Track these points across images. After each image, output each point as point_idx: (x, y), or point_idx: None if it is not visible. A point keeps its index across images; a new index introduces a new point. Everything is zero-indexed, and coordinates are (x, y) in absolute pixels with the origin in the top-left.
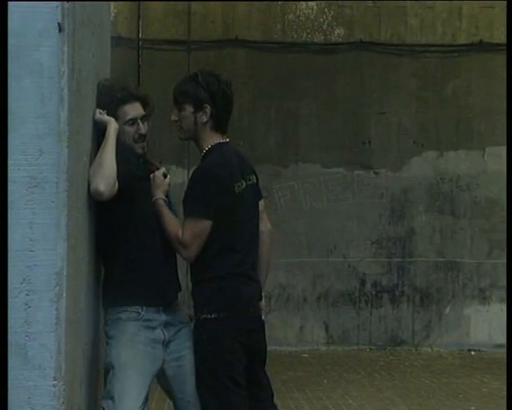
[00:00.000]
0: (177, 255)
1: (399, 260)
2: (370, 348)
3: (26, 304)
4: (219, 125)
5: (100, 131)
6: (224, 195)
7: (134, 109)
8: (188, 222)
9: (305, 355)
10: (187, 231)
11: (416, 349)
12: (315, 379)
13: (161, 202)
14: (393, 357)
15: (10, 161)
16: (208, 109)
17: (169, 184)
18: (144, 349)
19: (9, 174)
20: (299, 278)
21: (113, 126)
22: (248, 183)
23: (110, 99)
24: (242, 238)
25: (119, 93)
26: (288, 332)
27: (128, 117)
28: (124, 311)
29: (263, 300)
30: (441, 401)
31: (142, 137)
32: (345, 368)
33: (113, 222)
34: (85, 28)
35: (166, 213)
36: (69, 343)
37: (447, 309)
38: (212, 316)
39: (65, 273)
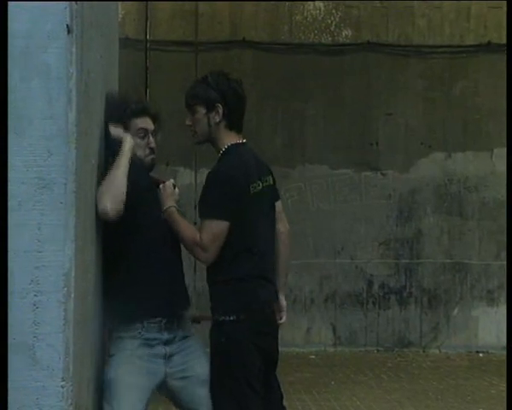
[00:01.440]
0: (186, 265)
1: (407, 261)
2: (378, 350)
3: (35, 305)
4: (233, 123)
5: (110, 139)
6: (240, 196)
7: (145, 122)
8: (206, 224)
9: (313, 357)
10: (205, 233)
11: (424, 351)
12: (322, 381)
13: (173, 209)
14: (401, 359)
15: (19, 162)
16: (220, 109)
17: (178, 195)
18: (141, 364)
19: (18, 175)
20: (307, 279)
21: (128, 143)
22: (265, 184)
23: (124, 110)
24: (259, 240)
25: (134, 105)
26: (295, 333)
27: (139, 127)
28: (125, 329)
29: (284, 301)
30: (449, 403)
31: (152, 150)
32: (352, 370)
33: (117, 231)
34: (94, 29)
35: (181, 219)
36: (77, 344)
37: (455, 311)
38: (231, 318)
39: (73, 274)
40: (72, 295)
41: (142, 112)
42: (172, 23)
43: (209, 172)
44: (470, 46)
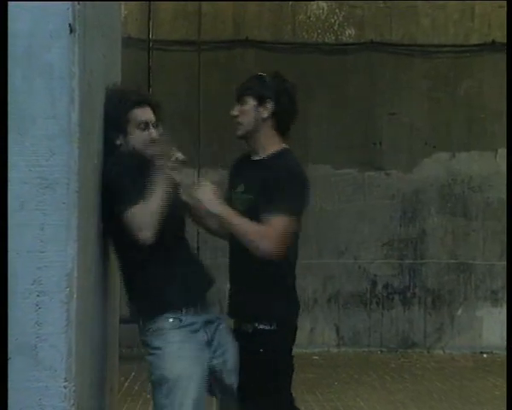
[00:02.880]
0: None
1: (411, 261)
2: (381, 351)
3: (37, 305)
4: (281, 125)
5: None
6: (307, 201)
7: (146, 113)
8: (280, 218)
9: (316, 357)
10: (278, 226)
11: (428, 352)
12: (325, 381)
13: (228, 211)
14: (405, 359)
15: (21, 162)
16: (270, 105)
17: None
18: (194, 356)
19: (20, 175)
20: (310, 279)
21: (167, 179)
22: None
23: (123, 102)
24: (296, 250)
25: (134, 96)
26: (298, 334)
27: (140, 120)
28: (165, 319)
29: None
30: (453, 404)
31: (154, 143)
32: (356, 370)
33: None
34: (96, 29)
35: (239, 218)
36: (79, 345)
37: (459, 311)
38: (272, 327)
39: (75, 275)
40: (75, 296)
41: (143, 102)
42: (175, 22)
43: (282, 167)
44: (475, 45)
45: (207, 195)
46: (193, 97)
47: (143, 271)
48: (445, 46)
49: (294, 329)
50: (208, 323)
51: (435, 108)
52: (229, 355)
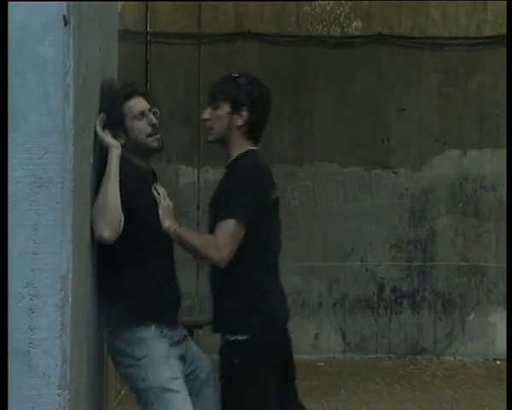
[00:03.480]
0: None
1: (420, 264)
2: (389, 357)
3: (30, 309)
4: (254, 133)
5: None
6: (261, 202)
7: (140, 103)
8: (222, 224)
9: (321, 364)
10: (221, 232)
11: (438, 358)
12: (331, 389)
13: (179, 231)
14: (414, 366)
15: (14, 160)
16: (245, 114)
17: (172, 206)
18: (178, 364)
19: (13, 174)
20: (315, 282)
21: (115, 154)
22: (275, 196)
23: (113, 98)
24: (273, 252)
25: (122, 91)
26: (302, 340)
27: (136, 111)
28: (147, 328)
29: None
30: None
31: (155, 127)
32: (362, 378)
33: (121, 240)
34: (91, 21)
35: (188, 233)
36: (74, 350)
37: (471, 316)
38: (244, 337)
39: (70, 277)
40: (70, 299)
41: (133, 93)
42: (174, 14)
43: (228, 173)
44: (487, 38)
45: (164, 212)
46: (192, 93)
47: (122, 278)
48: (456, 38)
49: (276, 334)
50: (181, 341)
51: (446, 103)
52: (200, 371)
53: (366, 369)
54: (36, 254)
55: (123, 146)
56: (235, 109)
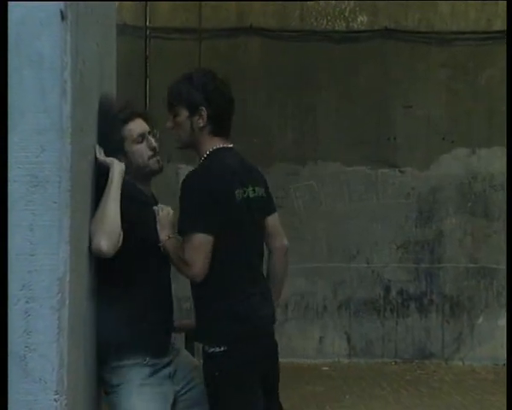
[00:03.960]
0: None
1: (427, 265)
2: (396, 362)
3: (26, 312)
4: (219, 129)
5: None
6: (222, 204)
7: (140, 125)
8: (185, 240)
9: (325, 368)
10: (186, 249)
11: (447, 363)
12: (336, 395)
13: (168, 242)
14: (421, 371)
15: (9, 159)
16: (204, 112)
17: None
18: (153, 390)
19: (8, 173)
20: (319, 284)
21: (117, 170)
22: (254, 194)
23: (112, 122)
24: (251, 254)
25: (121, 113)
26: (306, 343)
27: (135, 134)
28: (127, 358)
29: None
30: None
31: (155, 150)
32: (368, 383)
33: (115, 258)
34: (89, 16)
35: (173, 244)
36: (72, 355)
37: (480, 319)
38: (222, 349)
39: (68, 279)
40: (67, 302)
41: (132, 116)
42: (174, 9)
43: (183, 181)
44: (498, 32)
45: (160, 223)
46: None
47: (108, 300)
48: (465, 33)
49: (256, 341)
50: (171, 362)
51: (454, 99)
52: (195, 382)
53: (372, 374)
54: (32, 255)
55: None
56: (193, 111)
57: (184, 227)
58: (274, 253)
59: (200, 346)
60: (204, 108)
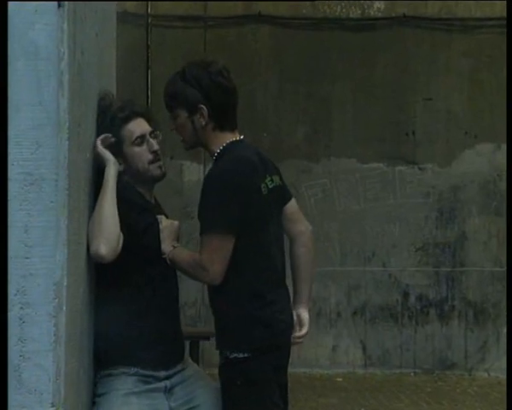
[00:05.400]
0: None
1: (449, 269)
2: (415, 372)
3: (21, 319)
4: (223, 122)
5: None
6: (249, 199)
7: (140, 126)
8: (204, 240)
9: (339, 379)
10: (204, 250)
11: (470, 374)
12: (350, 407)
13: (173, 252)
14: (442, 383)
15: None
16: (204, 110)
17: (179, 228)
18: (139, 402)
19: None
20: (332, 289)
21: (112, 169)
22: (273, 184)
23: (111, 120)
24: (272, 252)
25: (120, 112)
26: (319, 352)
27: (135, 135)
28: (114, 368)
29: (306, 315)
30: None
31: (156, 154)
32: (385, 395)
33: (114, 264)
34: (87, 4)
35: (180, 252)
36: (69, 364)
37: (506, 327)
38: (245, 355)
39: (65, 284)
40: (64, 308)
41: (132, 115)
42: None
43: (205, 177)
44: None
45: (163, 233)
46: None
47: (102, 304)
48: (489, 19)
49: (279, 351)
50: (169, 376)
51: (477, 91)
52: (199, 401)
53: (389, 385)
54: (27, 258)
55: (123, 172)
56: (193, 111)
57: (205, 226)
58: (298, 238)
59: (218, 353)
60: (203, 106)
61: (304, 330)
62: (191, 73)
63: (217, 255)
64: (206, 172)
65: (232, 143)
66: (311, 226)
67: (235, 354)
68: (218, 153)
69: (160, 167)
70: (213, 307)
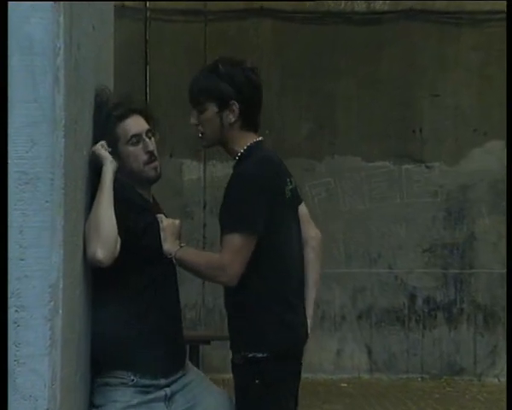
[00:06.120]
0: None
1: (457, 271)
2: (422, 378)
3: (15, 322)
4: (251, 122)
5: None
6: (275, 202)
7: (136, 124)
8: (226, 239)
9: (344, 385)
10: (225, 249)
11: (479, 380)
12: None
13: (181, 253)
14: (451, 388)
15: None
16: (236, 107)
17: (180, 227)
18: None
19: None
20: (337, 292)
21: (110, 169)
22: (291, 186)
23: (106, 118)
24: (293, 256)
25: (116, 110)
26: (323, 357)
27: (130, 134)
28: (112, 376)
29: (310, 319)
30: None
31: (152, 155)
32: (391, 401)
33: (112, 267)
34: None
35: (190, 253)
36: (65, 369)
37: (506, 328)
38: (265, 355)
39: (61, 286)
40: (60, 311)
41: (128, 112)
42: None
43: (232, 176)
44: None
45: (166, 232)
46: None
47: (99, 309)
48: (499, 12)
49: (298, 354)
50: (169, 384)
51: (487, 87)
52: (205, 402)
53: (395, 391)
54: (22, 259)
55: (118, 172)
56: (224, 106)
57: (228, 226)
58: (308, 243)
59: (230, 354)
60: (236, 103)
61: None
62: (226, 68)
63: (238, 256)
64: (235, 171)
65: (257, 143)
66: (320, 233)
67: (255, 353)
68: (242, 153)
69: (154, 169)
70: (232, 308)
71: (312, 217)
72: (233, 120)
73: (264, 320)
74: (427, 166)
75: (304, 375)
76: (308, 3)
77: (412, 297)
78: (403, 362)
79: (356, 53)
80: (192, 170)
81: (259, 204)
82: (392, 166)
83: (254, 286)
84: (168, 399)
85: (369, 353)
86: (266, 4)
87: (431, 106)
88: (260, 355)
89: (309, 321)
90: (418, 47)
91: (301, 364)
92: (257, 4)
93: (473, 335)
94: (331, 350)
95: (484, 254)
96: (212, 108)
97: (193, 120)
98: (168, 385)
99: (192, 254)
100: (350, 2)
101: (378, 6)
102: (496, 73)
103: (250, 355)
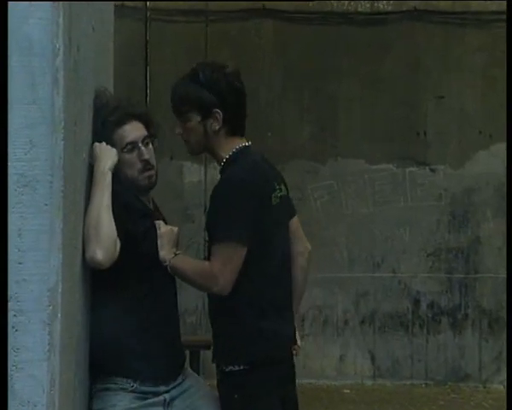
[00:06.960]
0: None
1: (462, 276)
2: (427, 384)
3: (14, 327)
4: (236, 127)
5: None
6: (261, 208)
7: (132, 131)
8: (215, 249)
9: (347, 391)
10: (214, 259)
11: (485, 386)
12: None
13: (175, 261)
14: (456, 395)
15: None
16: (219, 114)
17: (178, 235)
18: None
19: None
20: (339, 296)
21: (103, 167)
22: (281, 194)
23: (102, 124)
24: (277, 265)
25: (113, 114)
26: (325, 363)
27: (126, 141)
28: (112, 382)
29: (297, 335)
30: None
31: (147, 163)
32: (395, 407)
33: (111, 270)
34: None
35: (184, 262)
36: (64, 374)
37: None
38: (241, 367)
39: (60, 290)
40: (59, 315)
41: (125, 118)
42: None
43: (217, 185)
44: None
45: (162, 240)
46: None
47: (98, 312)
48: (505, 13)
49: (279, 365)
50: (168, 390)
51: (492, 89)
52: (203, 408)
53: (399, 398)
54: (20, 263)
55: (112, 178)
56: (207, 115)
57: (218, 235)
58: (296, 259)
59: (214, 366)
60: (218, 110)
61: (297, 351)
62: (206, 74)
63: (229, 265)
64: (220, 179)
65: (242, 148)
66: (310, 247)
67: (231, 367)
68: (227, 159)
69: (149, 177)
70: (212, 319)
71: (314, 220)
72: (217, 127)
73: (238, 332)
74: (432, 169)
75: (306, 381)
76: (311, 3)
77: (416, 302)
78: (407, 368)
79: (359, 54)
80: (193, 172)
81: (247, 213)
82: (396, 169)
83: (233, 296)
84: (167, 404)
85: (373, 358)
86: (268, 4)
87: (435, 108)
88: (237, 368)
89: (297, 335)
90: (422, 48)
91: (293, 366)
92: (259, 4)
93: (478, 340)
94: (333, 356)
95: (489, 258)
96: (195, 118)
97: (178, 130)
98: (167, 391)
99: (185, 263)
100: (353, 3)
101: (382, 6)
102: (501, 74)
103: (227, 370)
